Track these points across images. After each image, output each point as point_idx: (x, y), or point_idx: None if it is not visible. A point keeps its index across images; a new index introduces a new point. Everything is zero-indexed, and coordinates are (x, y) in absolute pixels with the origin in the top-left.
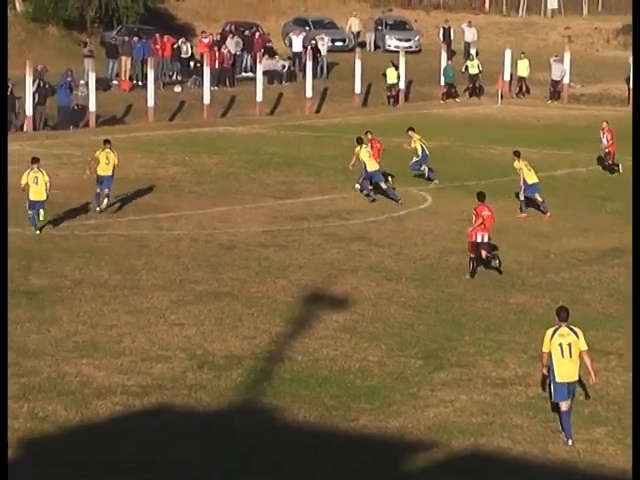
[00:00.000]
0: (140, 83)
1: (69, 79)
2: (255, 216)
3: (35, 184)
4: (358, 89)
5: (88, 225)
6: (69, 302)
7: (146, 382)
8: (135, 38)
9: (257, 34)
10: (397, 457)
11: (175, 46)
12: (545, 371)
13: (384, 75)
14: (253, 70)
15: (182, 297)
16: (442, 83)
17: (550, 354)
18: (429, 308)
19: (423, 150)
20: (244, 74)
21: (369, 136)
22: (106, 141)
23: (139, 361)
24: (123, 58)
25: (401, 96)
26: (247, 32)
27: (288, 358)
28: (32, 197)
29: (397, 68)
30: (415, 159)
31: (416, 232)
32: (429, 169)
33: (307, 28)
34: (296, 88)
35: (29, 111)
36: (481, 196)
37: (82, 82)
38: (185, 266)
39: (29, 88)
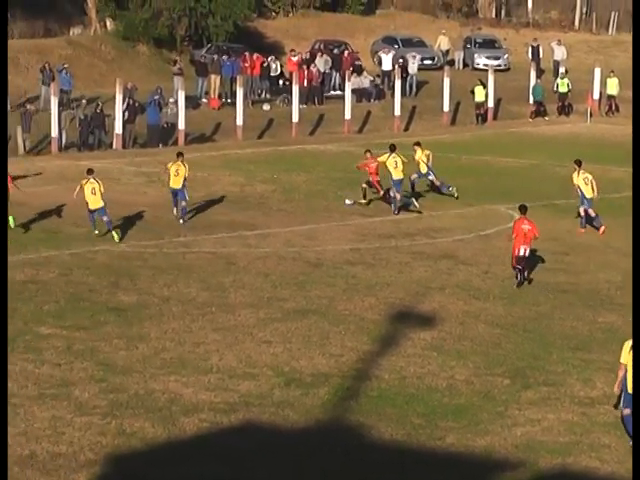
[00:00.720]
0: (229, 101)
1: (157, 97)
2: (343, 234)
3: (93, 194)
4: (447, 107)
5: (176, 242)
6: (157, 319)
7: (233, 399)
8: (224, 56)
9: (346, 52)
10: (484, 476)
11: (265, 64)
12: (617, 386)
13: (472, 93)
14: (342, 88)
15: (270, 315)
16: (531, 101)
17: (626, 366)
18: (516, 326)
19: (429, 168)
20: (333, 92)
21: (367, 155)
22: (179, 154)
23: (226, 378)
24: (212, 76)
25: (490, 114)
26: (336, 50)
27: (375, 376)
28: (91, 206)
29: (485, 86)
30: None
31: (504, 250)
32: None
33: (396, 46)
34: (385, 106)
35: (119, 129)
36: (522, 209)
37: (171, 100)
38: (273, 283)
39: (119, 106)
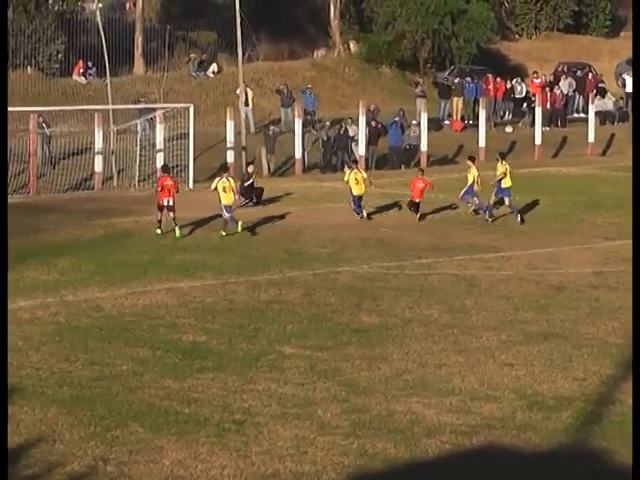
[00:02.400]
0: (471, 123)
1: (396, 118)
2: (585, 257)
3: (225, 192)
4: None
5: (419, 264)
6: (399, 340)
7: (475, 421)
8: (467, 78)
9: (590, 75)
10: None
11: (509, 86)
12: None
13: None
14: (585, 111)
15: (512, 337)
16: None
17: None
18: None
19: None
20: (576, 115)
21: (419, 174)
22: (354, 161)
23: (468, 400)
24: (455, 98)
25: None
26: (579, 73)
27: (619, 400)
28: (224, 202)
29: None
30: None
31: None
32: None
33: None
34: (628, 129)
35: (361, 150)
36: None
37: (414, 122)
38: (515, 306)
39: (362, 127)
